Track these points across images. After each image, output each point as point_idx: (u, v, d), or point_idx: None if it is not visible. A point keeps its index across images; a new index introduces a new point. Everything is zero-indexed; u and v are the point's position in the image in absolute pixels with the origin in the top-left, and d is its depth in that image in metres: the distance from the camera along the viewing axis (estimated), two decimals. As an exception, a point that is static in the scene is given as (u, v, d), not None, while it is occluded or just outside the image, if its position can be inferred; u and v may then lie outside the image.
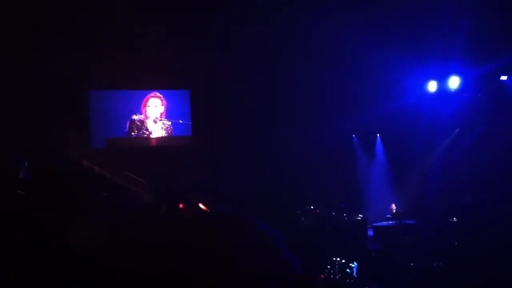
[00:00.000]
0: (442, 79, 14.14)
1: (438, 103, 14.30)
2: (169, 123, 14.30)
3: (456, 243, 11.37)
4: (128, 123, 13.93)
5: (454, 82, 13.89)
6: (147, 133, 14.11)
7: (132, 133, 13.96)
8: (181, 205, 12.40)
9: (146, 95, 14.22)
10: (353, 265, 9.80)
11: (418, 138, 14.15)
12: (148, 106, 14.19)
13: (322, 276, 9.32)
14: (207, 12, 12.52)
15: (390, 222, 13.95)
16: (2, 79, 10.95)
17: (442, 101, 14.22)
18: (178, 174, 12.62)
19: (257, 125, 13.84)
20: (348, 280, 9.66)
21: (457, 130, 14.70)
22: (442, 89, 14.15)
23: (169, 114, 14.38)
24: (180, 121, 14.30)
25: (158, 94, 14.30)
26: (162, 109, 14.32)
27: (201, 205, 11.70)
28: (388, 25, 12.38)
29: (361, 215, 14.18)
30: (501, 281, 8.08)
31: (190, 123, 14.38)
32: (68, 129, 12.11)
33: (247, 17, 12.39)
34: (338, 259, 10.53)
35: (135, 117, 14.01)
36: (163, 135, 14.29)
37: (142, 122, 14.08)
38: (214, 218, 1.25)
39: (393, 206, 14.22)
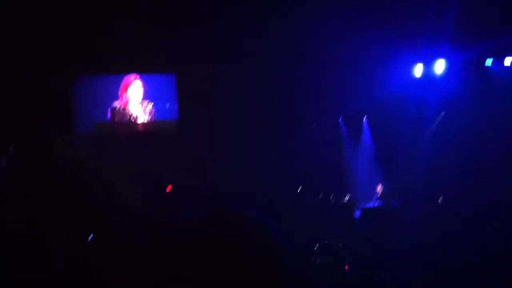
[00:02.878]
0: (428, 63, 14.18)
1: (424, 87, 14.36)
2: (151, 104, 14.12)
3: (442, 224, 11.52)
4: (109, 110, 13.73)
5: (440, 66, 13.95)
6: (129, 117, 13.92)
7: (116, 119, 13.76)
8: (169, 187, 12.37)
9: (125, 79, 13.99)
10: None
11: (405, 120, 14.24)
12: (128, 90, 13.98)
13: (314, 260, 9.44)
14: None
15: (377, 203, 14.05)
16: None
17: (429, 84, 14.28)
18: (165, 160, 12.60)
19: (245, 108, 13.80)
20: (338, 263, 9.78)
21: (443, 113, 14.78)
22: (428, 73, 14.21)
23: (152, 97, 14.22)
24: (167, 104, 14.18)
25: (137, 77, 14.10)
26: (141, 92, 14.12)
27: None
28: (374, 8, 12.34)
29: (348, 197, 14.28)
30: (486, 259, 8.25)
31: (177, 107, 14.26)
32: (52, 117, 11.97)
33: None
34: (326, 242, 10.68)
35: (116, 103, 13.83)
36: (147, 120, 14.13)
37: (124, 107, 13.89)
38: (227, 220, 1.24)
39: (379, 187, 14.32)
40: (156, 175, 12.32)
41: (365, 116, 16.17)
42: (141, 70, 14.07)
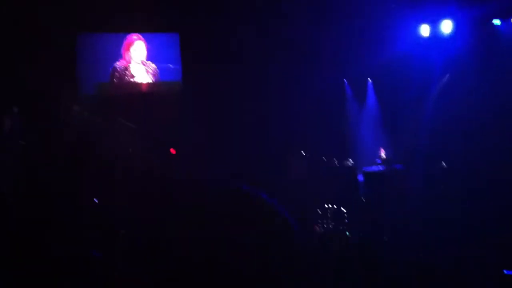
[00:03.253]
0: (434, 23, 13.99)
1: (430, 48, 14.20)
2: (154, 66, 14.00)
3: (443, 189, 11.58)
4: (110, 71, 13.58)
5: (447, 26, 13.77)
6: (131, 77, 13.80)
7: (115, 80, 13.63)
8: (172, 151, 12.39)
9: (127, 39, 13.82)
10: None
11: (410, 83, 14.14)
12: (131, 50, 13.82)
13: (317, 227, 9.50)
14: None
15: (379, 167, 14.07)
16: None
17: (435, 45, 14.12)
18: (167, 122, 12.58)
19: (248, 69, 13.69)
20: (341, 227, 9.84)
21: (448, 75, 14.65)
22: (435, 34, 14.04)
23: (155, 57, 14.07)
24: (170, 65, 14.04)
25: (140, 36, 13.92)
26: (144, 52, 13.96)
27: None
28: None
29: (352, 161, 14.29)
30: (487, 228, 8.30)
31: (180, 67, 14.12)
32: (57, 74, 11.86)
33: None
34: (330, 206, 10.73)
35: (118, 63, 13.69)
36: (150, 80, 14.03)
37: (126, 67, 13.76)
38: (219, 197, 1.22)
39: (382, 151, 14.32)
40: (159, 137, 12.32)
41: (370, 78, 16.02)
42: (143, 29, 13.86)
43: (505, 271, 5.58)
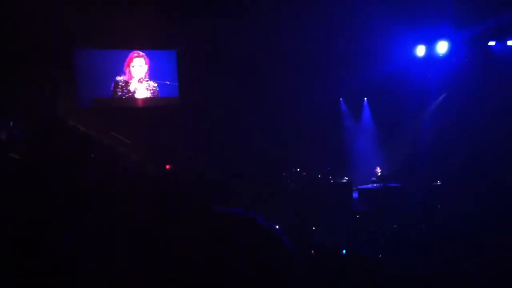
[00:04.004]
0: (430, 43, 14.14)
1: (426, 68, 14.34)
2: (155, 84, 14.13)
3: (439, 206, 11.58)
4: (112, 85, 13.72)
5: (442, 47, 13.92)
6: (132, 92, 13.91)
7: (117, 94, 13.77)
8: (167, 166, 12.35)
9: (129, 55, 13.97)
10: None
11: (405, 102, 14.24)
12: (132, 67, 13.94)
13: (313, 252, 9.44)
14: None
15: (375, 185, 14.13)
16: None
17: (430, 65, 14.25)
18: (164, 135, 12.60)
19: (244, 88, 13.75)
20: (337, 241, 9.80)
21: (444, 94, 14.78)
22: (431, 54, 14.18)
23: (154, 74, 14.17)
24: (167, 82, 14.13)
25: (141, 53, 14.05)
26: (145, 68, 14.08)
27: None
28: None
29: (347, 178, 14.34)
30: (487, 240, 8.28)
31: (177, 84, 14.22)
32: (55, 88, 11.90)
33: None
34: (324, 221, 10.72)
35: (119, 78, 13.80)
36: (149, 96, 14.13)
37: (126, 82, 13.87)
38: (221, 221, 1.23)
39: (378, 169, 14.41)
40: (155, 150, 12.33)
41: (366, 97, 16.14)
42: (141, 47, 13.97)
43: None
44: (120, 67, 13.83)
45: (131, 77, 13.89)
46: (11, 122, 10.67)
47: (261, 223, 1.25)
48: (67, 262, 1.77)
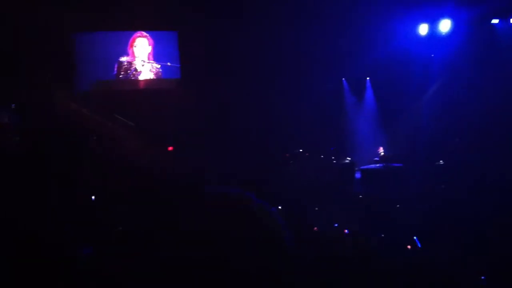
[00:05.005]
0: (433, 22, 14.00)
1: (429, 47, 14.22)
2: (159, 66, 14.08)
3: (442, 186, 11.58)
4: (116, 66, 13.71)
5: (445, 26, 13.78)
6: (135, 74, 13.89)
7: (120, 76, 13.76)
8: (170, 148, 12.38)
9: (133, 35, 13.92)
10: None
11: (408, 82, 14.16)
12: (135, 46, 13.91)
13: (316, 228, 9.46)
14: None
15: (378, 165, 14.12)
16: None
17: (433, 44, 14.13)
18: (166, 118, 12.58)
19: (246, 69, 13.67)
20: (339, 222, 9.82)
21: (447, 73, 14.68)
22: (434, 33, 14.05)
23: (157, 55, 14.13)
24: (168, 63, 14.07)
25: (145, 34, 14.00)
26: (149, 49, 14.05)
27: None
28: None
29: (349, 158, 14.34)
30: (487, 223, 8.28)
31: (179, 65, 14.16)
32: (54, 73, 11.86)
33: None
34: (326, 202, 10.72)
35: (122, 59, 13.77)
36: (152, 78, 14.10)
37: (130, 63, 13.85)
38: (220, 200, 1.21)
39: (381, 149, 14.39)
40: (158, 132, 12.33)
41: (368, 77, 16.05)
42: (142, 27, 13.88)
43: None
44: (122, 49, 13.79)
45: (134, 58, 13.86)
46: (13, 105, 10.68)
47: (256, 202, 1.23)
48: (67, 254, 1.77)
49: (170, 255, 1.09)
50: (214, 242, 1.11)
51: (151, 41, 14.02)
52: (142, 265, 1.11)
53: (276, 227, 1.21)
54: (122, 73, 13.73)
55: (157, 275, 1.09)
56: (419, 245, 7.97)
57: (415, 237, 8.12)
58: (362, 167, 14.26)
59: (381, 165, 13.96)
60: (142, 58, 13.93)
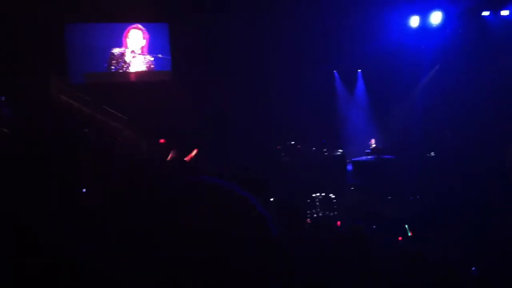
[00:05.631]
0: (424, 14, 14.04)
1: (420, 39, 14.26)
2: (152, 59, 14.01)
3: (433, 178, 11.68)
4: (108, 56, 13.63)
5: (436, 18, 13.83)
6: (125, 66, 13.81)
7: (112, 67, 13.68)
8: (162, 141, 12.36)
9: (126, 28, 13.82)
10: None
11: (399, 74, 14.19)
12: (129, 38, 13.81)
13: (309, 220, 9.51)
14: None
15: (369, 157, 14.19)
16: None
17: (424, 36, 14.18)
18: (158, 111, 12.53)
19: (237, 61, 13.63)
20: (331, 214, 9.89)
21: (437, 66, 14.74)
22: (425, 25, 14.09)
23: (152, 49, 14.04)
24: (159, 55, 14.00)
25: (140, 26, 13.89)
26: (143, 42, 13.94)
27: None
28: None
29: (341, 150, 14.38)
30: (479, 213, 8.38)
31: (170, 57, 14.09)
32: (46, 65, 11.76)
33: None
34: (318, 194, 10.80)
35: (115, 50, 13.69)
36: (144, 69, 14.02)
37: (122, 54, 13.76)
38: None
39: (373, 141, 14.45)
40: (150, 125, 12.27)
41: (360, 69, 16.07)
42: (133, 19, 13.79)
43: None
44: (115, 40, 13.69)
45: (126, 49, 13.77)
46: (3, 98, 10.58)
47: (233, 191, 1.23)
48: (67, 254, 1.77)
49: (170, 255, 1.09)
50: (207, 242, 1.12)
51: (146, 34, 13.93)
52: (142, 265, 1.11)
53: (261, 220, 1.21)
54: (113, 63, 13.64)
55: (157, 274, 1.10)
56: (409, 234, 8.05)
57: (406, 225, 8.21)
58: (353, 159, 14.32)
59: (373, 157, 14.03)
60: (135, 49, 13.84)
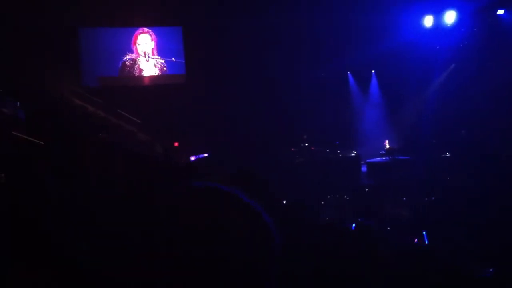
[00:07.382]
0: (438, 13, 13.91)
1: (434, 39, 14.13)
2: (162, 60, 14.07)
3: (448, 178, 11.54)
4: (120, 64, 13.72)
5: (450, 17, 13.69)
6: (139, 71, 13.90)
7: (125, 73, 13.77)
8: (176, 144, 12.37)
9: (135, 33, 13.90)
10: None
11: (413, 74, 14.07)
12: (139, 44, 13.90)
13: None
14: None
15: (384, 158, 14.08)
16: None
17: (438, 36, 14.04)
18: (171, 113, 12.58)
19: (251, 63, 13.63)
20: (344, 217, 9.81)
21: (452, 65, 14.59)
22: (439, 24, 13.96)
23: (161, 51, 14.10)
24: (173, 59, 14.05)
25: (146, 30, 13.97)
26: (152, 44, 14.02)
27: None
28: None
29: (355, 152, 14.30)
30: (493, 214, 8.24)
31: (183, 61, 14.13)
32: (59, 68, 11.85)
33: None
34: (332, 196, 10.74)
35: (126, 56, 13.78)
36: (156, 73, 14.10)
37: (134, 61, 13.85)
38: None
39: (387, 143, 14.33)
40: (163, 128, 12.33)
41: (373, 69, 15.96)
42: (146, 24, 13.88)
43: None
44: (127, 45, 13.79)
45: (138, 55, 13.86)
46: (18, 103, 10.66)
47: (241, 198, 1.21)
48: (67, 254, 1.76)
49: (170, 257, 1.07)
50: (208, 245, 1.09)
51: (154, 36, 14.01)
52: (142, 265, 1.09)
53: (264, 228, 1.18)
54: (126, 70, 13.74)
55: (157, 274, 1.08)
56: (426, 241, 7.94)
57: (424, 232, 8.10)
58: (368, 160, 14.22)
59: (387, 158, 13.92)
60: (146, 54, 13.92)
